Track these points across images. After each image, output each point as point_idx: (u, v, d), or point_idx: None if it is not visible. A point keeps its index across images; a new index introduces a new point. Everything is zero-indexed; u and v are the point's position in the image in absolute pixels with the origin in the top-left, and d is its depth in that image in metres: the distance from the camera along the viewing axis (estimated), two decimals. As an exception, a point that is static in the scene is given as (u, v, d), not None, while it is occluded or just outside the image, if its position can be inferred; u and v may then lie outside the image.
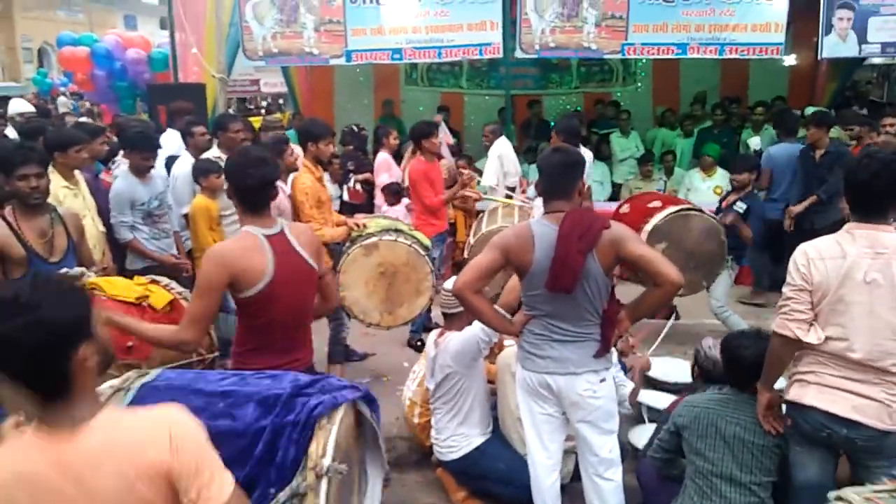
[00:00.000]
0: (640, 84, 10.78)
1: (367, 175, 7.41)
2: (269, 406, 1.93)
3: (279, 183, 4.41)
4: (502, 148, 6.85)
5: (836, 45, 7.19)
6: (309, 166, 4.65)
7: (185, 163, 5.19)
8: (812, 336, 2.47)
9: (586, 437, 2.88)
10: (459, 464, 3.48)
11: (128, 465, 1.34)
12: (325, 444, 1.85)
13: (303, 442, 1.87)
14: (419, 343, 5.39)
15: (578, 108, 10.36)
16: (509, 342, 3.57)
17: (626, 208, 5.71)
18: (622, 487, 2.95)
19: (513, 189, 6.73)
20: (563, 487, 3.13)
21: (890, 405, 2.39)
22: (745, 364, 2.84)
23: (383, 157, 7.04)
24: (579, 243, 2.64)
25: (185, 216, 4.98)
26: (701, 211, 5.27)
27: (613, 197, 8.37)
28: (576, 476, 3.19)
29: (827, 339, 2.46)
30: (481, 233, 5.62)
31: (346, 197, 7.46)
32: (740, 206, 5.21)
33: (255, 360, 2.67)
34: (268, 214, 2.74)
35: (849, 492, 1.75)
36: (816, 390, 2.51)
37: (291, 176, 4.76)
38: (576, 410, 2.84)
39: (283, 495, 1.77)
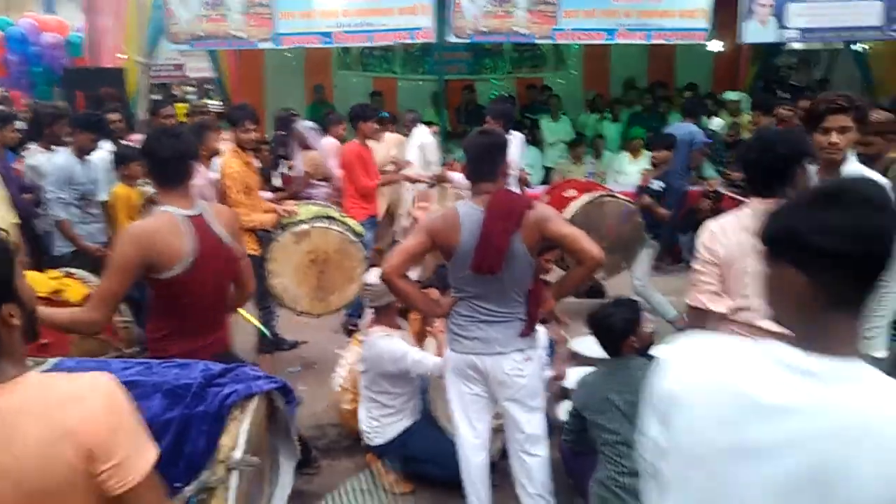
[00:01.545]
0: (571, 69, 10.91)
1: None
2: (177, 396, 1.86)
3: (201, 168, 4.33)
4: (422, 136, 6.84)
5: (756, 30, 7.41)
6: (237, 151, 4.54)
7: (104, 150, 5.00)
8: (721, 306, 2.56)
9: (513, 414, 2.91)
10: (388, 447, 3.48)
11: (51, 424, 1.27)
12: (237, 435, 1.81)
13: (214, 433, 1.82)
14: (353, 327, 5.35)
15: (511, 94, 10.42)
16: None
17: (546, 198, 5.82)
18: (549, 462, 3.00)
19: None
20: (492, 465, 3.16)
21: None
22: (616, 330, 2.95)
23: (331, 141, 6.94)
24: (504, 224, 2.66)
25: (104, 204, 4.81)
26: (615, 196, 5.40)
27: (546, 181, 8.48)
28: (504, 453, 3.22)
29: (737, 309, 2.55)
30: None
31: (278, 182, 7.32)
32: (658, 185, 5.35)
33: (172, 345, 2.62)
34: (186, 194, 2.68)
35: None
36: None
37: (217, 162, 4.64)
38: (503, 389, 2.87)
39: (190, 489, 1.72)
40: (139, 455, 1.35)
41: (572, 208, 5.26)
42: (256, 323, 4.38)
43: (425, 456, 3.41)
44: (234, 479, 1.75)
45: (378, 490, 3.52)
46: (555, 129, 9.18)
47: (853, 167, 2.80)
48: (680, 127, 6.65)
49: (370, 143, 5.82)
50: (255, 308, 4.66)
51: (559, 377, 3.98)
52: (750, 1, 7.26)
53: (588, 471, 3.01)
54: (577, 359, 4.46)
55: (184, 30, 7.23)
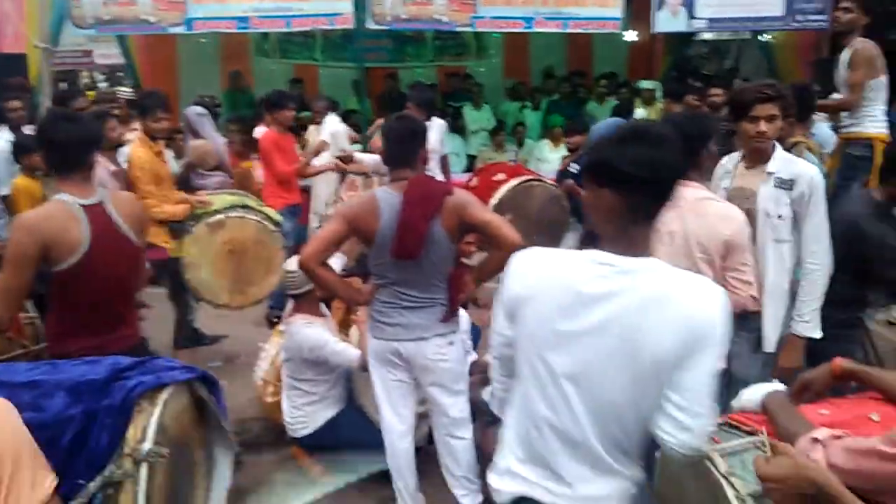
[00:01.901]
0: (492, 58, 10.99)
1: None
2: (80, 393, 1.79)
3: (101, 158, 4.15)
4: (333, 125, 6.78)
5: (668, 20, 7.65)
6: (145, 140, 4.37)
7: (2, 139, 4.72)
8: None
9: (437, 399, 2.93)
10: (313, 438, 3.45)
11: None
12: (145, 427, 1.75)
13: (119, 427, 1.76)
14: (276, 319, 5.24)
15: (433, 82, 10.42)
16: None
17: (474, 181, 5.88)
18: (473, 444, 3.04)
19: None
20: (417, 450, 3.18)
21: None
22: None
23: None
24: (423, 210, 2.67)
25: (5, 199, 4.54)
26: (542, 180, 5.50)
27: (469, 168, 8.53)
28: (431, 438, 3.24)
29: None
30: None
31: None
32: (575, 168, 5.48)
33: (73, 341, 2.54)
34: (85, 183, 2.59)
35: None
36: None
37: (124, 151, 4.46)
38: (426, 374, 2.88)
39: (93, 485, 1.65)
40: (32, 483, 1.28)
41: (501, 192, 5.33)
42: None
43: (350, 445, 3.39)
44: (143, 472, 1.69)
45: (304, 482, 3.48)
46: (477, 118, 9.24)
47: (781, 154, 2.89)
48: (609, 122, 6.80)
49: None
50: (171, 303, 4.51)
51: (483, 361, 4.02)
52: (662, -9, 7.49)
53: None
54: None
55: (88, 13, 6.86)
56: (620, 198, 1.56)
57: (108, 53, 11.43)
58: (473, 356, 4.00)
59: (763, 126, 2.79)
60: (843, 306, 2.95)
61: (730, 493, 1.53)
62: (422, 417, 3.32)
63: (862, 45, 4.80)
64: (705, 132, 2.71)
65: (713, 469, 1.59)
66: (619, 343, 1.55)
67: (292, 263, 3.37)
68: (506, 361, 1.81)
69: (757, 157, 2.92)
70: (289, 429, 3.50)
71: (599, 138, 1.65)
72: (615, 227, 1.60)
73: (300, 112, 8.63)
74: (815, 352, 3.02)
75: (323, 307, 3.65)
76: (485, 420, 3.32)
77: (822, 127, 5.44)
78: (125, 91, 6.88)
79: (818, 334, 2.88)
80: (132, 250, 2.69)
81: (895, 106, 5.58)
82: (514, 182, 5.35)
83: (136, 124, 4.63)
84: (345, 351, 3.32)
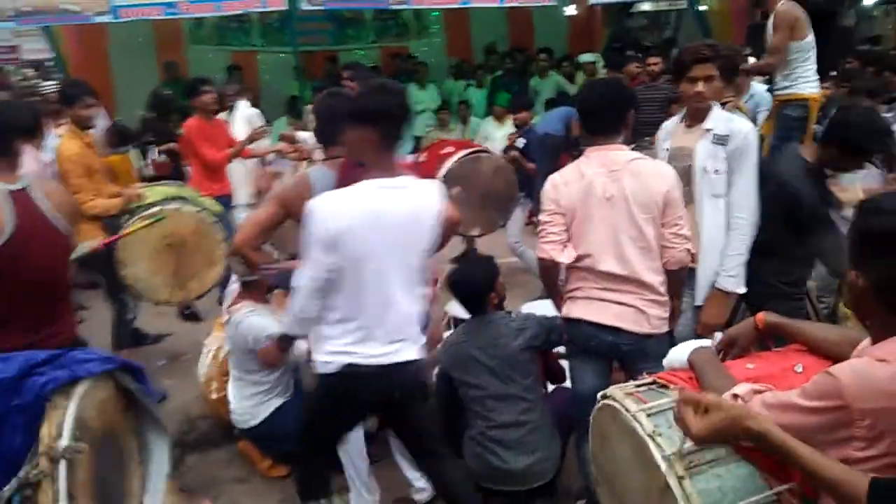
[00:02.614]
0: (434, 37, 10.89)
1: (171, 144, 6.82)
2: None
3: (30, 148, 3.96)
4: (244, 110, 6.64)
5: (604, -8, 7.68)
6: (75, 131, 4.19)
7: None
8: (565, 255, 2.63)
9: None
10: (260, 430, 3.36)
11: None
12: (60, 424, 1.67)
13: (31, 426, 1.69)
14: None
15: (376, 64, 10.28)
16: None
17: (423, 157, 5.80)
18: None
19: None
20: (370, 437, 3.14)
21: (645, 311, 2.61)
22: (479, 290, 3.00)
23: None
24: None
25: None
26: (489, 152, 5.47)
27: (415, 150, 8.44)
28: (381, 425, 3.19)
29: (581, 256, 2.63)
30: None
31: (150, 170, 6.84)
32: (520, 142, 5.48)
33: (4, 339, 2.41)
34: (10, 169, 2.53)
35: (613, 389, 1.87)
36: (584, 304, 2.69)
37: (49, 145, 4.27)
38: None
39: (8, 488, 1.57)
40: None
41: (448, 163, 5.27)
42: None
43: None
44: (62, 470, 1.62)
45: (255, 478, 3.42)
46: (422, 98, 9.14)
47: (718, 113, 2.92)
48: (561, 111, 6.79)
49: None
50: (108, 301, 4.36)
51: (435, 343, 3.98)
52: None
53: (461, 430, 3.05)
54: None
55: (7, 4, 6.56)
56: (375, 131, 2.28)
57: (35, 48, 10.99)
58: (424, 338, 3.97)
59: (701, 86, 2.84)
60: (785, 261, 2.99)
61: (655, 452, 1.52)
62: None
63: (783, 7, 4.87)
64: (630, 95, 2.75)
65: (638, 429, 1.58)
66: (406, 236, 2.33)
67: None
68: (324, 286, 2.30)
69: (696, 117, 2.96)
70: (236, 421, 3.42)
71: (364, 91, 2.44)
72: (377, 157, 2.32)
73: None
74: (763, 308, 3.06)
75: (268, 296, 3.56)
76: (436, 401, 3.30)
77: (758, 88, 5.54)
78: (48, 85, 6.59)
79: (742, 289, 2.92)
80: (60, 239, 2.61)
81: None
82: (460, 153, 5.29)
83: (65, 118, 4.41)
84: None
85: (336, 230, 2.22)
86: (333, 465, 2.82)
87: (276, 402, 3.37)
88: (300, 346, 3.21)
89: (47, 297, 2.61)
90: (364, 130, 2.29)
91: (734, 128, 2.86)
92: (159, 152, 6.93)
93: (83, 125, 4.21)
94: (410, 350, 2.43)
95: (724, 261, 2.87)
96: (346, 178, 2.61)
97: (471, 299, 3.06)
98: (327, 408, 2.53)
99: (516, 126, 5.82)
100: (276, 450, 3.41)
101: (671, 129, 3.09)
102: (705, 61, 2.82)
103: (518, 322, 2.97)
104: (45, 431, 1.67)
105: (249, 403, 3.35)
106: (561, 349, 3.01)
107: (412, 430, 2.65)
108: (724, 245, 2.87)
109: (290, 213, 2.70)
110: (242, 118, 6.46)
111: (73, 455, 1.63)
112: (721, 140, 2.85)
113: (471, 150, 5.42)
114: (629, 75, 6.21)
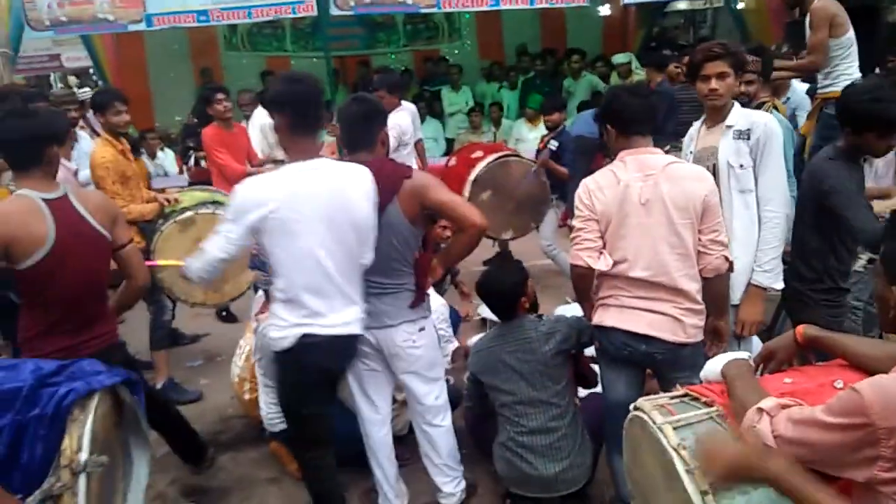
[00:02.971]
0: (466, 39, 10.87)
1: None
2: (6, 402, 1.71)
3: (63, 161, 4.05)
4: (261, 118, 6.62)
5: (637, -9, 7.57)
6: (109, 139, 4.26)
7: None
8: (601, 263, 2.57)
9: (412, 387, 2.87)
10: (289, 433, 3.37)
11: None
12: (80, 437, 1.69)
13: (53, 437, 1.70)
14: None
15: (409, 67, 10.30)
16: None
17: (453, 161, 5.80)
18: (452, 431, 2.99)
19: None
20: (400, 439, 3.12)
21: (681, 319, 2.54)
22: (507, 295, 2.98)
23: None
24: (380, 190, 2.59)
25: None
26: (519, 156, 5.42)
27: (447, 152, 8.44)
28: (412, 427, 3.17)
29: (615, 262, 2.57)
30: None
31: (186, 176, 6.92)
32: (553, 144, 5.42)
33: (46, 343, 2.50)
34: (46, 178, 2.57)
35: (643, 401, 1.82)
36: (616, 312, 2.63)
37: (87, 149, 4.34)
38: (398, 362, 2.82)
39: (32, 500, 1.58)
40: None
41: (477, 169, 5.26)
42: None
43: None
44: (82, 483, 1.63)
45: (285, 479, 3.43)
46: (455, 100, 9.14)
47: (738, 110, 2.88)
48: (594, 112, 6.72)
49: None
50: (146, 304, 4.43)
51: (466, 347, 3.97)
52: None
53: (491, 435, 3.03)
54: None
55: (44, 15, 6.72)
56: (288, 118, 2.49)
57: (76, 56, 11.23)
58: (455, 343, 3.96)
59: (714, 83, 2.80)
60: (820, 267, 2.90)
61: (679, 466, 1.47)
62: (401, 405, 3.27)
63: (819, 4, 4.74)
64: (668, 103, 2.71)
65: (663, 440, 1.53)
66: (331, 214, 2.46)
67: None
68: (228, 259, 2.49)
69: (716, 116, 2.92)
70: (266, 424, 3.44)
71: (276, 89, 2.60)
72: (290, 142, 2.53)
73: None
74: (799, 317, 2.97)
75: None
76: (466, 406, 3.29)
77: (797, 88, 5.40)
78: (83, 92, 6.74)
79: (779, 284, 2.86)
80: (102, 244, 2.65)
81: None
82: (490, 158, 5.28)
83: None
84: None
85: (257, 211, 2.39)
86: (333, 463, 2.81)
87: (306, 406, 3.38)
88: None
89: (89, 301, 2.66)
90: (279, 117, 2.53)
91: (754, 120, 2.82)
92: (196, 159, 7.02)
93: (116, 132, 4.28)
94: (354, 325, 2.58)
95: (758, 256, 2.81)
96: None
97: (499, 305, 3.03)
98: (289, 385, 2.65)
99: (548, 128, 5.76)
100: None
101: (693, 134, 3.06)
102: (716, 59, 2.79)
103: (548, 325, 2.93)
104: (67, 444, 1.68)
105: (278, 409, 3.36)
106: (591, 351, 2.97)
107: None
108: (756, 241, 2.81)
109: None
110: (256, 127, 6.39)
111: (94, 468, 1.64)
112: (743, 135, 2.80)
113: (500, 154, 5.39)
114: (670, 76, 6.12)
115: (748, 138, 2.79)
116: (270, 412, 3.38)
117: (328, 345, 2.52)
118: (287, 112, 2.49)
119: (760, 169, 2.80)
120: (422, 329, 2.81)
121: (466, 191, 5.19)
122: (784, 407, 1.42)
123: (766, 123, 2.80)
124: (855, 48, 4.81)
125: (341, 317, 2.53)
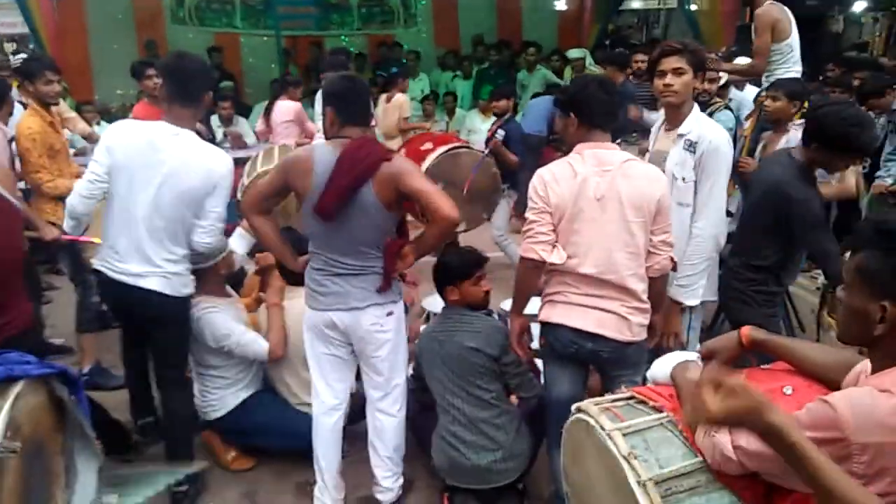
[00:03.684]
0: (421, 26, 10.75)
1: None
2: None
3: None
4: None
5: (594, -12, 7.57)
6: (37, 109, 4.01)
7: None
8: (555, 256, 2.51)
9: (373, 372, 2.81)
10: (225, 421, 3.25)
11: None
12: (-8, 421, 1.54)
13: None
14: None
15: (362, 51, 10.12)
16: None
17: (402, 153, 5.68)
18: (404, 426, 2.94)
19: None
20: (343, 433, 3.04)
21: (627, 318, 2.52)
22: (452, 273, 2.92)
23: (289, 104, 6.39)
24: (352, 170, 2.50)
25: None
26: (468, 147, 5.36)
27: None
28: (351, 419, 3.08)
29: (567, 257, 2.53)
30: (256, 173, 5.20)
31: None
32: (500, 134, 5.37)
33: None
34: None
35: (588, 403, 1.77)
36: (564, 308, 2.59)
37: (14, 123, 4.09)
38: (364, 345, 2.75)
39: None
40: None
41: (427, 161, 5.17)
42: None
43: (265, 427, 3.22)
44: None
45: (217, 468, 3.30)
46: (412, 87, 8.99)
47: (695, 116, 2.85)
48: (543, 108, 6.69)
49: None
50: (72, 283, 4.21)
51: (412, 338, 3.89)
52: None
53: (432, 426, 2.97)
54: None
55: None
56: (167, 86, 2.86)
57: (12, 22, 10.65)
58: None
59: (669, 79, 2.78)
60: (766, 271, 2.94)
61: (630, 476, 1.41)
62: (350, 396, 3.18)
63: (764, 9, 4.82)
64: (625, 95, 2.67)
65: (613, 449, 1.47)
66: (167, 180, 2.76)
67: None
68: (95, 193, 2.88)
69: (673, 119, 2.90)
70: (200, 412, 3.30)
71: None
72: (170, 106, 2.84)
73: (220, 82, 8.27)
74: (737, 316, 3.00)
75: (228, 288, 3.43)
76: (410, 391, 3.20)
77: (737, 92, 5.50)
78: (19, 59, 6.33)
79: (693, 301, 2.87)
80: (10, 220, 2.49)
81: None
82: (440, 150, 5.19)
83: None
84: (252, 343, 3.14)
85: (113, 140, 2.82)
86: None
87: (243, 395, 3.27)
88: (252, 347, 3.19)
89: None
90: (164, 85, 2.93)
91: (702, 133, 2.79)
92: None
93: (45, 101, 4.04)
94: (153, 281, 2.83)
95: (678, 270, 2.80)
96: (345, 158, 2.52)
97: (443, 282, 2.97)
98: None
99: (496, 115, 5.71)
100: (242, 442, 3.32)
101: (654, 132, 3.04)
102: (672, 54, 2.77)
103: (482, 324, 2.87)
104: None
105: (213, 395, 3.24)
106: (535, 345, 2.93)
107: (155, 353, 3.12)
108: (682, 255, 2.80)
109: (288, 183, 2.64)
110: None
111: (5, 453, 1.50)
112: (691, 147, 2.79)
113: (450, 145, 5.32)
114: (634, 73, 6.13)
115: (694, 151, 2.78)
116: (205, 399, 3.25)
117: (115, 287, 2.86)
118: (165, 81, 2.91)
119: (699, 185, 2.79)
120: (390, 314, 2.73)
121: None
122: None
123: (711, 140, 2.77)
124: (796, 54, 4.91)
125: (132, 266, 2.82)
